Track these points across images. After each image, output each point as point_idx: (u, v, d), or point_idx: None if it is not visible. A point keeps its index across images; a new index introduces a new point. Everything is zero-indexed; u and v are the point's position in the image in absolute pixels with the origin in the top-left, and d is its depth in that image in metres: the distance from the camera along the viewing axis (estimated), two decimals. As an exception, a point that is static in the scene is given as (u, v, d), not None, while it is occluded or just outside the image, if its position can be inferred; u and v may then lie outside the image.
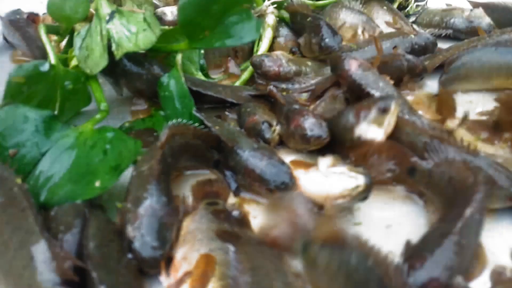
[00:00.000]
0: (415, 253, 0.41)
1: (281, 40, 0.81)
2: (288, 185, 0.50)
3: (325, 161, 0.51)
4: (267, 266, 0.41)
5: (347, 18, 0.84)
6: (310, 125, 0.55)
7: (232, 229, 0.46)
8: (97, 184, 0.48)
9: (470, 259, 0.42)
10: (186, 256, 0.42)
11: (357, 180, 0.47)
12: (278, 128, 0.59)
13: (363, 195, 0.47)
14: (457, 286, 0.37)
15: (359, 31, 0.82)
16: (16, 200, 0.44)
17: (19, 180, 0.47)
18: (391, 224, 0.50)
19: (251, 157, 0.52)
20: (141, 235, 0.42)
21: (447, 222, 0.43)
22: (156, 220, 0.43)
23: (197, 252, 0.42)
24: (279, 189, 0.49)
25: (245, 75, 0.75)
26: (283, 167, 0.51)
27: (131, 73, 0.66)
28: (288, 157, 0.57)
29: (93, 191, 0.48)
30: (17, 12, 0.90)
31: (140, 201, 0.44)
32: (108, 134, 0.54)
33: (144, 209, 0.44)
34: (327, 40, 0.70)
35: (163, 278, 0.42)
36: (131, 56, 0.66)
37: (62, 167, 0.51)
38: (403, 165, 0.51)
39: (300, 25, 0.79)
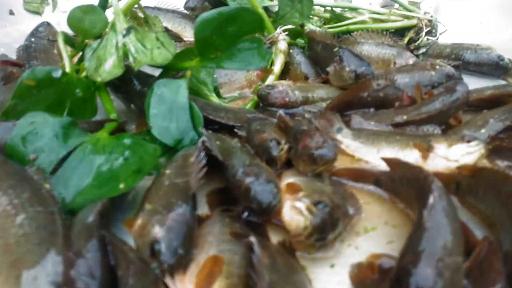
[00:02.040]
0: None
1: (297, 67, 0.82)
2: (268, 206, 0.47)
3: (301, 193, 0.48)
4: (282, 268, 0.39)
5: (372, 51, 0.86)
6: (318, 144, 0.52)
7: (246, 232, 0.44)
8: (122, 186, 0.50)
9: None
10: (195, 258, 0.41)
11: (306, 218, 0.45)
12: (286, 147, 0.57)
13: (315, 236, 0.45)
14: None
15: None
16: (45, 202, 0.45)
17: (47, 185, 0.48)
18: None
19: (240, 173, 0.50)
20: (169, 239, 0.41)
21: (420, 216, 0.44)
22: (185, 228, 0.43)
23: (205, 254, 0.41)
24: (260, 207, 0.47)
25: (255, 98, 0.75)
26: (269, 187, 0.48)
27: (140, 92, 0.66)
28: (288, 179, 0.53)
29: (118, 191, 0.49)
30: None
31: (173, 208, 0.44)
32: (125, 140, 0.54)
33: (177, 215, 0.43)
34: (364, 68, 0.71)
35: (168, 281, 0.40)
36: (140, 76, 0.68)
37: (85, 174, 0.52)
38: (368, 179, 0.56)
39: (322, 53, 0.80)
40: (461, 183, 0.53)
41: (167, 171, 0.50)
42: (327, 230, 0.45)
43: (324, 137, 0.54)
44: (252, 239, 0.41)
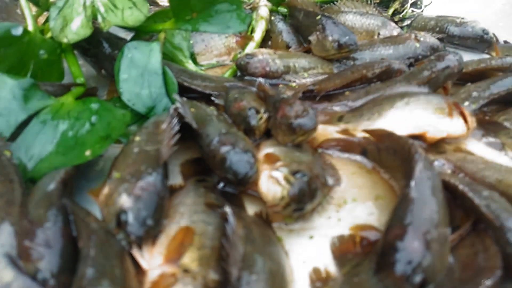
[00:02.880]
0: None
1: (278, 34, 0.78)
2: (245, 176, 0.44)
3: (279, 163, 0.46)
4: (257, 239, 0.37)
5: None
6: (297, 113, 0.49)
7: (221, 203, 0.42)
8: (88, 153, 0.47)
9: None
10: (165, 229, 0.39)
11: (284, 187, 0.42)
12: (265, 116, 0.54)
13: (292, 206, 0.42)
14: None
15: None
16: (5, 170, 0.42)
17: (7, 152, 0.45)
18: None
19: (216, 143, 0.47)
20: (138, 209, 0.38)
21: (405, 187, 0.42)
22: (155, 198, 0.40)
23: (177, 225, 0.39)
24: (236, 178, 0.45)
25: (235, 66, 0.71)
26: (245, 156, 0.46)
27: (110, 55, 0.62)
28: (267, 150, 0.51)
29: (83, 158, 0.46)
30: None
31: (142, 176, 0.41)
32: (93, 105, 0.51)
33: (146, 183, 0.41)
34: (347, 38, 0.68)
35: (135, 252, 0.37)
36: (110, 39, 0.64)
37: (48, 140, 0.48)
38: (355, 149, 0.55)
39: (304, 21, 0.76)
40: (367, 148, 0.54)
41: (137, 138, 0.47)
42: (305, 200, 0.42)
43: (304, 106, 0.51)
44: (227, 209, 0.38)
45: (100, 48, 0.62)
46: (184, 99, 0.56)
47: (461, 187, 0.44)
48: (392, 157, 0.50)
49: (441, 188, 0.42)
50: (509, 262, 0.37)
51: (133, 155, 0.45)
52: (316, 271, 0.40)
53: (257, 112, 0.54)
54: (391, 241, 0.37)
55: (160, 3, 0.92)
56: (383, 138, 0.52)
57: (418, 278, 0.34)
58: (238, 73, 0.70)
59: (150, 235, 0.38)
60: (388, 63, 0.67)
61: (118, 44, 0.63)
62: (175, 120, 0.48)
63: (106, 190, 0.41)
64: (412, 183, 0.41)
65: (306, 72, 0.70)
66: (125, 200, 0.39)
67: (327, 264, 0.41)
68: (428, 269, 0.34)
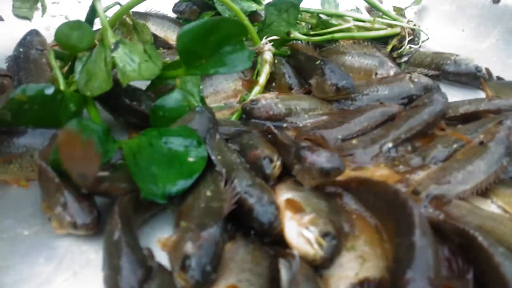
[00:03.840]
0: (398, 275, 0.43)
1: (281, 77, 0.84)
2: (270, 226, 0.50)
3: (308, 217, 0.51)
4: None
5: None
6: (326, 159, 0.55)
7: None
8: (191, 159, 0.57)
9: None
10: (215, 284, 0.45)
11: (316, 252, 0.47)
12: (278, 163, 0.60)
13: (322, 264, 0.48)
14: None
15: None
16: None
17: None
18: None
19: (243, 193, 0.52)
20: (200, 256, 0.44)
21: (405, 236, 0.46)
22: (215, 248, 0.46)
23: (225, 281, 0.44)
24: (262, 228, 0.50)
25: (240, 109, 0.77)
26: (270, 208, 0.51)
27: (128, 107, 0.69)
28: (285, 195, 0.56)
29: (194, 166, 0.56)
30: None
31: (206, 228, 0.48)
32: (152, 132, 0.60)
33: (208, 234, 0.47)
34: (344, 82, 0.74)
35: None
36: (128, 91, 0.70)
37: (150, 167, 0.55)
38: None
39: (305, 65, 0.82)
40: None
41: (208, 193, 0.53)
42: (332, 260, 0.48)
43: (328, 150, 0.57)
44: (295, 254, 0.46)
45: (119, 100, 0.69)
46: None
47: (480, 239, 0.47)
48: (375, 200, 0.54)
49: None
50: None
51: (200, 209, 0.51)
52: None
53: (271, 160, 0.60)
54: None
55: (172, 43, 0.99)
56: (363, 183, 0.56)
57: None
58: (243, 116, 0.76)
59: (207, 281, 0.44)
60: (391, 113, 0.72)
61: (135, 95, 0.69)
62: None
63: (174, 237, 0.48)
64: (417, 232, 0.45)
65: (307, 113, 0.76)
66: (189, 247, 0.45)
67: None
68: None
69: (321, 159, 0.55)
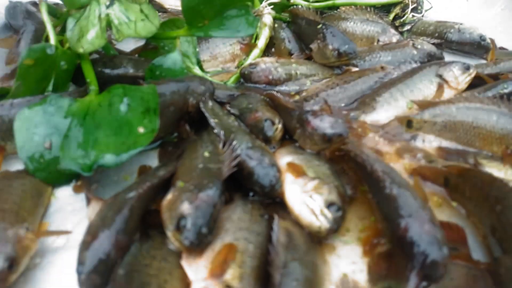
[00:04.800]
0: None
1: (281, 42, 0.82)
2: (272, 189, 0.49)
3: (311, 183, 0.49)
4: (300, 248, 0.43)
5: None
6: (330, 124, 0.54)
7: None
8: (141, 130, 0.51)
9: None
10: (211, 244, 0.43)
11: (322, 224, 0.46)
12: (280, 126, 0.59)
13: (325, 235, 0.47)
14: None
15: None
16: None
17: None
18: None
19: (243, 155, 0.51)
20: (196, 217, 0.43)
21: None
22: (212, 210, 0.44)
23: (221, 240, 0.43)
24: (263, 191, 0.49)
25: (238, 73, 0.75)
26: (272, 170, 0.50)
27: (108, 75, 0.67)
28: (286, 158, 0.55)
29: (138, 136, 0.50)
30: None
31: (204, 188, 0.45)
32: (117, 90, 0.55)
33: (206, 195, 0.45)
34: (346, 47, 0.72)
35: (184, 262, 0.42)
36: (106, 60, 0.68)
37: (95, 130, 0.52)
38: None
39: (306, 30, 0.80)
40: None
41: (206, 154, 0.52)
42: (338, 229, 0.47)
43: (333, 116, 0.55)
44: (275, 217, 0.44)
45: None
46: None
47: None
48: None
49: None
50: None
51: (198, 169, 0.49)
52: (343, 280, 0.44)
53: (273, 123, 0.58)
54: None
55: (167, 6, 0.96)
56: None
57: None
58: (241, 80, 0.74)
59: (202, 243, 0.42)
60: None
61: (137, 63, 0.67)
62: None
63: (170, 196, 0.46)
64: None
65: (308, 78, 0.74)
66: (186, 207, 0.43)
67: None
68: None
69: (324, 124, 0.53)
